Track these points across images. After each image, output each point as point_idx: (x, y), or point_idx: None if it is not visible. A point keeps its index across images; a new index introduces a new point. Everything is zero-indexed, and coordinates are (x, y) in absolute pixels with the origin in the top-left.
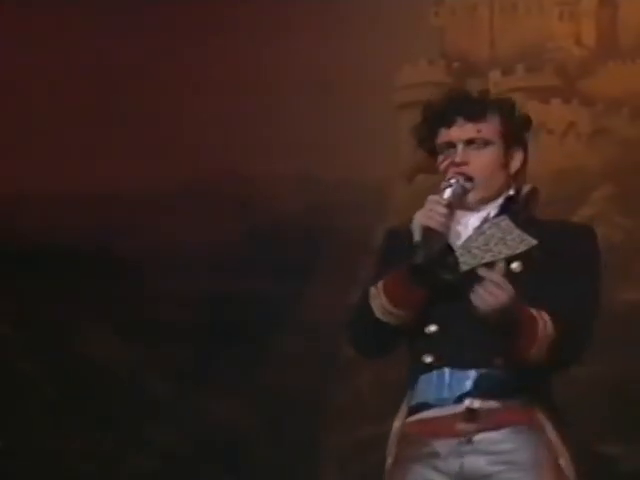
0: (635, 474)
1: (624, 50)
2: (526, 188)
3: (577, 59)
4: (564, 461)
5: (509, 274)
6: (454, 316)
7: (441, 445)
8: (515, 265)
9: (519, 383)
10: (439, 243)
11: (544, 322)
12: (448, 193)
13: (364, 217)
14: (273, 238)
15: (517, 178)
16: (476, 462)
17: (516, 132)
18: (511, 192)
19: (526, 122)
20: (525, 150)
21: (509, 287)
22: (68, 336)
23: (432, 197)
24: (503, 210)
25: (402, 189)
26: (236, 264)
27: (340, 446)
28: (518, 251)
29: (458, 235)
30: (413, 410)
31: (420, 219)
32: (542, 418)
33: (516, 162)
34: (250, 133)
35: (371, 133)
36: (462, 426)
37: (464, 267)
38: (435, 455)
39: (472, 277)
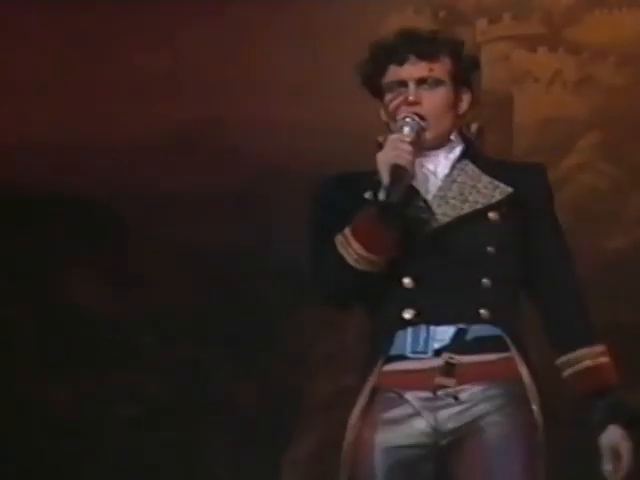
0: None
1: None
2: (474, 127)
3: (563, 7)
4: (535, 407)
5: (488, 224)
6: (432, 268)
7: (416, 399)
8: (492, 214)
9: (501, 335)
10: (408, 181)
11: (606, 357)
12: (407, 130)
13: (352, 165)
14: (258, 187)
15: (464, 119)
16: (451, 414)
17: (465, 73)
18: (460, 135)
19: (474, 63)
20: (472, 92)
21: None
22: (52, 285)
23: (393, 136)
24: (463, 154)
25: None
26: (220, 214)
27: (324, 394)
28: (494, 200)
29: (426, 179)
30: (389, 360)
31: (388, 158)
32: (520, 368)
33: (464, 103)
34: (235, 82)
35: (357, 81)
36: (440, 380)
37: (444, 219)
38: (409, 408)
39: (452, 229)
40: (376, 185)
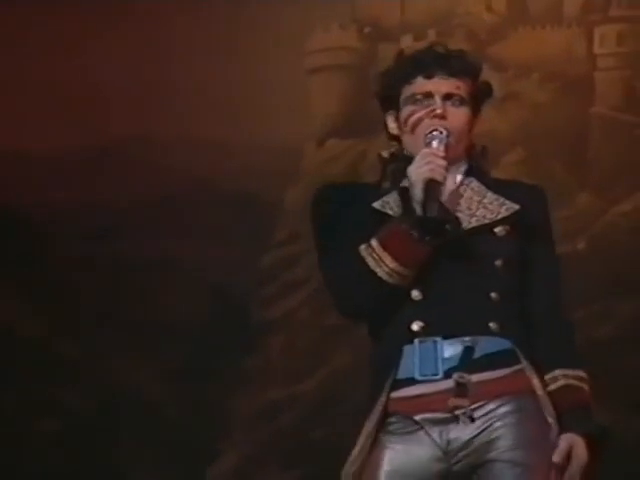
0: None
1: (534, 16)
2: (479, 147)
3: (488, 25)
4: (551, 418)
5: (496, 239)
6: (440, 280)
7: (427, 421)
8: (498, 229)
9: (512, 349)
10: (440, 196)
11: (585, 384)
12: (436, 143)
13: (275, 181)
14: (184, 203)
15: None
16: (465, 435)
17: (480, 97)
18: (467, 155)
19: (489, 89)
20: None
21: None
22: None
23: (426, 150)
24: (468, 172)
25: (313, 153)
26: (144, 229)
27: (248, 410)
28: (501, 216)
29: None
30: (398, 385)
31: (422, 172)
32: (532, 379)
33: (474, 127)
34: (160, 98)
35: (282, 97)
36: (454, 401)
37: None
38: (421, 433)
39: (460, 242)
40: (383, 195)
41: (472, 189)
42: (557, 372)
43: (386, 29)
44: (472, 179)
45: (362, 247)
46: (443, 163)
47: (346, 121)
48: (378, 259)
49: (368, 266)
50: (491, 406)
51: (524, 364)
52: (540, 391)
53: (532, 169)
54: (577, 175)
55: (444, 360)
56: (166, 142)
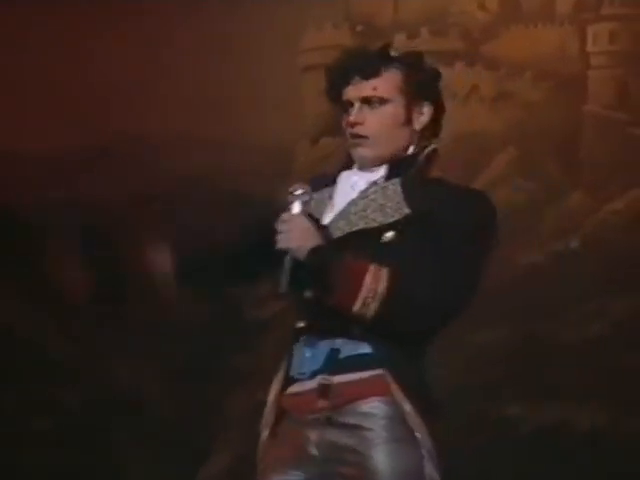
0: (534, 434)
1: (527, 14)
2: (428, 149)
3: (481, 23)
4: (420, 435)
5: (379, 243)
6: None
7: (303, 422)
8: (389, 234)
9: (376, 354)
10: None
11: (376, 276)
12: (297, 207)
13: (268, 180)
14: (180, 202)
15: (425, 134)
16: (334, 436)
17: (422, 86)
18: (409, 151)
19: (434, 75)
20: (436, 104)
21: (305, 227)
22: None
23: (284, 216)
24: (393, 173)
25: (306, 152)
26: (140, 227)
27: (243, 411)
28: (390, 220)
29: (345, 195)
30: (287, 382)
31: (282, 243)
32: (397, 391)
33: (424, 117)
34: (149, 96)
35: (275, 96)
36: (320, 403)
37: (337, 233)
38: (299, 431)
39: (341, 243)
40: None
41: (384, 193)
42: None
43: (379, 28)
44: (396, 181)
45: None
46: (298, 231)
47: (339, 119)
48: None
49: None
50: (350, 408)
51: (384, 369)
52: (399, 395)
53: (525, 168)
54: (570, 173)
55: (312, 361)
56: (161, 141)
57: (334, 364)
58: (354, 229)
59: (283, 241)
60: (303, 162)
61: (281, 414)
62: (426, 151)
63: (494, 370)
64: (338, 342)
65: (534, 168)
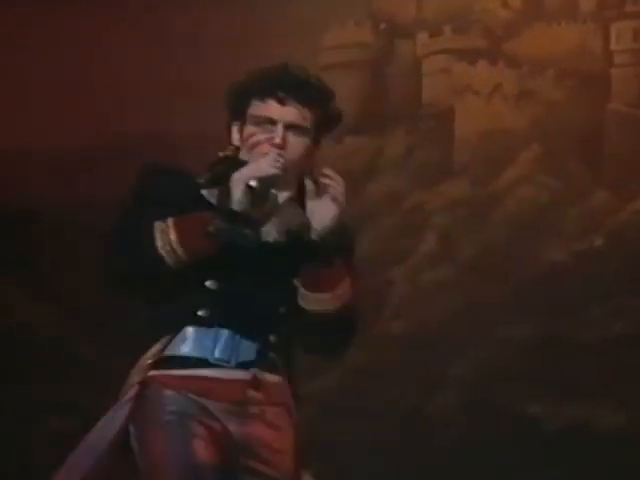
0: (555, 432)
1: (549, 12)
2: (310, 181)
3: (503, 21)
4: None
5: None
6: (240, 281)
7: (219, 408)
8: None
9: (288, 361)
10: (261, 204)
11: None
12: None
13: None
14: None
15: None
16: (256, 431)
17: (328, 126)
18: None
19: (339, 118)
20: (318, 146)
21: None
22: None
23: (263, 153)
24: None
25: (330, 149)
26: None
27: None
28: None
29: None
30: (172, 361)
31: (261, 168)
32: (291, 399)
33: (315, 155)
34: (173, 96)
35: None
36: (251, 393)
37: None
38: (209, 416)
39: (266, 251)
40: (199, 187)
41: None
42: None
43: (402, 25)
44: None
45: (158, 222)
46: (282, 160)
47: (362, 118)
48: (165, 233)
49: (153, 237)
50: (276, 410)
51: (292, 379)
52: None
53: (548, 166)
54: (593, 172)
55: (241, 353)
56: (180, 141)
57: (264, 361)
58: (275, 240)
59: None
60: (327, 160)
61: (152, 392)
62: (311, 182)
63: (515, 368)
64: (258, 341)
65: (557, 166)
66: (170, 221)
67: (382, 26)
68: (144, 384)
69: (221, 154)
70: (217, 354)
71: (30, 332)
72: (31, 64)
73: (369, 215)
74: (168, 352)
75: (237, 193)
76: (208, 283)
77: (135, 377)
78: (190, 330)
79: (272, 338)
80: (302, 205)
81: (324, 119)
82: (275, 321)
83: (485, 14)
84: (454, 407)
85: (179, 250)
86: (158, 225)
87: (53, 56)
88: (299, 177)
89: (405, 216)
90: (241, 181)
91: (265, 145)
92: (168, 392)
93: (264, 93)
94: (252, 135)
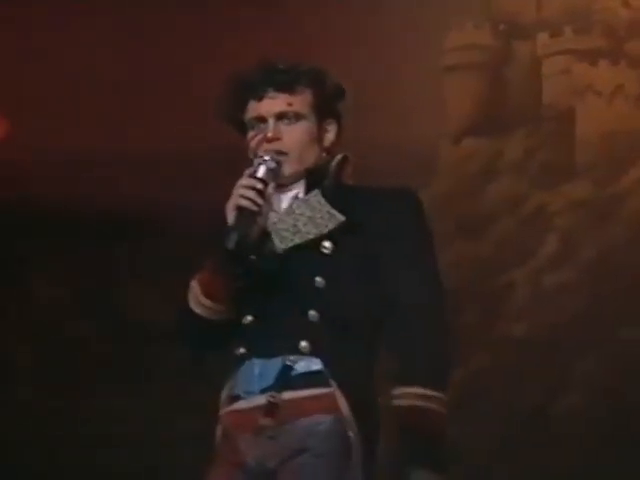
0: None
1: None
2: (337, 158)
3: (625, 20)
4: (352, 433)
5: (319, 255)
6: (268, 304)
7: (244, 440)
8: (326, 244)
9: (325, 369)
10: (254, 225)
11: (434, 402)
12: (262, 170)
13: (410, 180)
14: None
15: (332, 151)
16: (275, 451)
17: (328, 103)
18: (311, 167)
19: (338, 92)
20: (339, 121)
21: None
22: (116, 299)
23: (242, 179)
24: (312, 186)
25: (448, 152)
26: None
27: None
28: (327, 230)
29: (271, 218)
30: (229, 401)
31: (232, 201)
32: (340, 402)
33: (330, 135)
34: None
35: (418, 96)
36: (263, 420)
37: (274, 252)
38: (238, 451)
39: (282, 261)
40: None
41: (308, 204)
42: (399, 390)
43: (522, 26)
44: (316, 192)
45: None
46: (258, 186)
47: (481, 119)
48: (192, 289)
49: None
50: (295, 425)
51: (333, 387)
52: (346, 411)
53: None
54: None
55: (262, 378)
56: None
57: (286, 381)
58: (290, 245)
59: (232, 201)
60: (446, 162)
61: (221, 435)
62: (336, 160)
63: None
64: (291, 358)
65: None
66: (198, 274)
67: (501, 27)
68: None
69: (247, 171)
70: (243, 387)
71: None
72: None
73: (489, 217)
74: (225, 394)
75: (230, 221)
76: (246, 319)
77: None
78: (238, 371)
79: (303, 345)
80: (328, 186)
81: (322, 99)
82: (303, 329)
83: (606, 13)
84: (578, 408)
85: (207, 302)
86: (191, 283)
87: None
88: (315, 163)
89: (526, 218)
90: (229, 210)
91: (263, 145)
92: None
93: (245, 98)
94: (251, 140)
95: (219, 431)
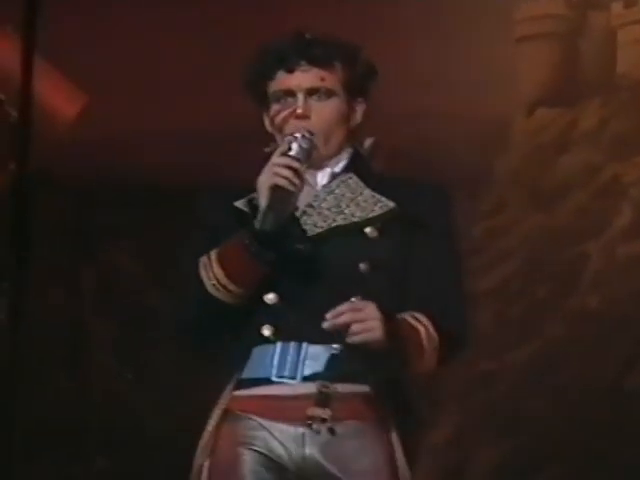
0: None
1: None
2: (368, 141)
3: None
4: (400, 460)
5: (363, 239)
6: (298, 283)
7: (282, 430)
8: (369, 230)
9: (370, 367)
10: (290, 207)
11: (425, 329)
12: (295, 148)
13: (483, 152)
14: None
15: (358, 132)
16: (317, 457)
17: (360, 81)
18: (352, 148)
19: (371, 71)
20: (367, 102)
21: (376, 314)
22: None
23: (276, 156)
24: (348, 167)
25: (522, 123)
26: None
27: (461, 380)
28: (373, 214)
29: (305, 194)
30: (243, 384)
31: (267, 180)
32: (388, 412)
33: (357, 115)
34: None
35: (490, 67)
36: (314, 411)
37: (314, 230)
38: (273, 440)
39: (322, 241)
40: (253, 202)
41: (348, 185)
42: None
43: None
44: (351, 174)
45: (202, 258)
46: (295, 165)
47: (554, 90)
48: (209, 268)
49: (201, 279)
50: (352, 427)
51: (380, 387)
52: (391, 421)
53: None
54: None
55: (306, 365)
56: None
57: (334, 371)
58: (333, 225)
59: (267, 180)
60: (519, 133)
61: (226, 420)
62: (368, 143)
63: None
64: (336, 347)
65: None
66: (213, 252)
67: None
68: (226, 411)
69: (267, 150)
70: (276, 372)
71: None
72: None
73: (563, 188)
74: (242, 375)
75: (262, 203)
76: (268, 298)
77: (220, 405)
78: (255, 351)
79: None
80: (362, 171)
81: (353, 76)
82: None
83: None
84: None
85: (231, 286)
86: (202, 261)
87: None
88: (341, 144)
89: (600, 189)
90: (263, 189)
91: (291, 121)
92: (234, 416)
93: (274, 67)
94: (276, 114)
95: (218, 412)
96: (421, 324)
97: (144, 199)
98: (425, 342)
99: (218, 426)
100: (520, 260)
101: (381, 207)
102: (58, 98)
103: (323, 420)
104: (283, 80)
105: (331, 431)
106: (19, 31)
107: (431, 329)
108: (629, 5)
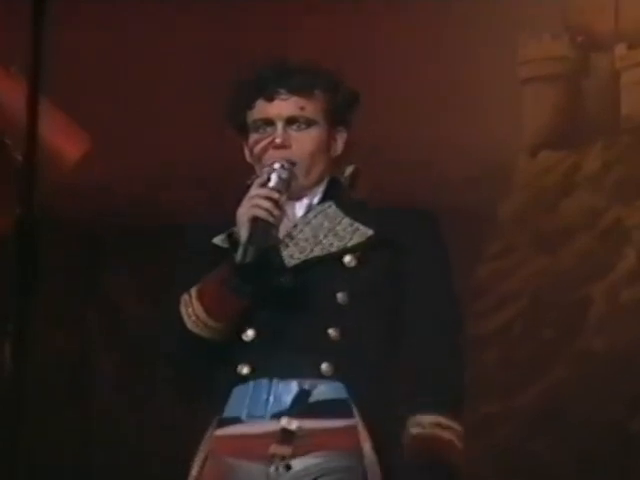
0: None
1: None
2: (349, 170)
3: None
4: (373, 473)
5: (342, 269)
6: (276, 317)
7: (251, 468)
8: (348, 259)
9: (347, 397)
10: (271, 239)
11: (454, 434)
12: (275, 179)
13: (488, 192)
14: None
15: (340, 161)
16: None
17: (341, 110)
18: (331, 176)
19: (353, 100)
20: (349, 131)
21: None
22: None
23: (254, 188)
24: (327, 196)
25: (526, 164)
26: None
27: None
28: (351, 243)
29: (284, 225)
30: (223, 424)
31: (246, 212)
32: (364, 439)
33: (339, 144)
34: (374, 105)
35: (494, 108)
36: (276, 448)
37: (291, 261)
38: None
39: (298, 273)
40: (233, 236)
41: (326, 215)
42: (412, 419)
43: (599, 38)
44: (330, 203)
45: (184, 295)
46: (274, 196)
47: (558, 132)
48: (189, 304)
49: (181, 316)
50: (313, 459)
51: (356, 419)
52: (368, 450)
53: None
54: None
55: (274, 402)
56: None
57: (303, 407)
58: (310, 256)
59: (247, 213)
60: (523, 175)
61: (209, 459)
62: (348, 171)
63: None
64: (309, 382)
65: None
66: (193, 289)
67: (579, 39)
68: (209, 452)
69: (249, 182)
70: (247, 411)
71: None
72: None
73: (565, 231)
74: (223, 415)
75: (242, 235)
76: (246, 335)
77: (202, 447)
78: (235, 390)
79: (324, 368)
80: (341, 199)
81: (334, 105)
82: (324, 350)
83: None
84: None
85: (210, 322)
86: (183, 297)
87: None
88: (322, 174)
89: (603, 232)
90: (243, 221)
91: (270, 151)
92: (213, 458)
93: (253, 96)
94: (255, 144)
95: (201, 456)
96: (447, 428)
97: (145, 239)
98: (457, 445)
99: (200, 470)
100: (525, 302)
101: (360, 235)
102: (62, 139)
103: (283, 458)
104: (262, 109)
105: (287, 467)
106: (24, 72)
107: (449, 422)
108: (633, 47)
